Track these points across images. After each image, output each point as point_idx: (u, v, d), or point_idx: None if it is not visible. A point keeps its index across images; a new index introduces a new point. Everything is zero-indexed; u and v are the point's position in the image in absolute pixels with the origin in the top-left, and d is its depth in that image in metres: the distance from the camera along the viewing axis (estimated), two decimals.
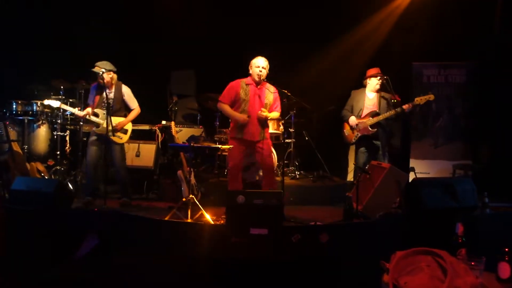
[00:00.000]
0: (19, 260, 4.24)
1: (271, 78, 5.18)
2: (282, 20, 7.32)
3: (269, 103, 5.15)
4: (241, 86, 5.16)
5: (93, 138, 5.51)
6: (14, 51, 6.79)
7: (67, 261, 4.72)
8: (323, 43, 7.48)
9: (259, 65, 5.07)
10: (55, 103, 5.56)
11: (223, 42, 7.34)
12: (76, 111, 5.55)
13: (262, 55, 5.14)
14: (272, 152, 5.18)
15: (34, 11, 6.92)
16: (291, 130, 6.87)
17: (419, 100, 5.52)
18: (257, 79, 5.07)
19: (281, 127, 6.69)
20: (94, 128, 5.54)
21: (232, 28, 7.37)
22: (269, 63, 5.12)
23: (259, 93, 5.13)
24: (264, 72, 5.07)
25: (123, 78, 5.70)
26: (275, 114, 5.26)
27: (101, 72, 5.34)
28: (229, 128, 5.45)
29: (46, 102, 5.68)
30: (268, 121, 5.26)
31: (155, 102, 7.25)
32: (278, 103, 5.26)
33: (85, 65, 5.57)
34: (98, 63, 5.39)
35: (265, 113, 5.03)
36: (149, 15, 7.58)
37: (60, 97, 6.45)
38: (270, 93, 5.14)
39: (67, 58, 6.97)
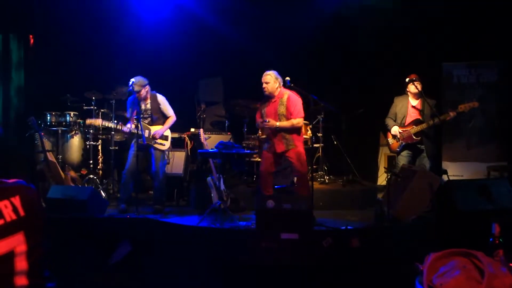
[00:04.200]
0: (54, 267, 4.36)
1: (295, 82, 5.18)
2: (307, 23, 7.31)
3: (282, 114, 5.06)
4: (264, 101, 5.27)
5: (135, 148, 5.52)
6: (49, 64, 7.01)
7: (101, 268, 4.82)
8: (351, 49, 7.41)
9: (263, 81, 5.11)
10: (97, 121, 5.74)
11: (248, 48, 7.37)
12: (118, 127, 5.62)
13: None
14: (303, 159, 5.07)
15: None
16: (319, 134, 6.84)
17: (463, 107, 5.33)
18: (265, 93, 5.13)
19: (309, 131, 6.66)
20: (135, 139, 5.53)
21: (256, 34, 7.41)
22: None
23: (272, 105, 5.16)
24: (269, 86, 5.07)
25: (152, 87, 5.78)
26: (284, 123, 4.99)
27: (140, 90, 5.44)
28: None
29: (88, 121, 5.78)
30: (278, 126, 4.99)
31: (183, 110, 7.33)
32: (294, 109, 5.04)
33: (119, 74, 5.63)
34: (135, 81, 5.42)
35: (270, 122, 4.98)
36: None
37: (92, 107, 6.60)
38: (283, 103, 5.09)
39: (100, 70, 7.15)
